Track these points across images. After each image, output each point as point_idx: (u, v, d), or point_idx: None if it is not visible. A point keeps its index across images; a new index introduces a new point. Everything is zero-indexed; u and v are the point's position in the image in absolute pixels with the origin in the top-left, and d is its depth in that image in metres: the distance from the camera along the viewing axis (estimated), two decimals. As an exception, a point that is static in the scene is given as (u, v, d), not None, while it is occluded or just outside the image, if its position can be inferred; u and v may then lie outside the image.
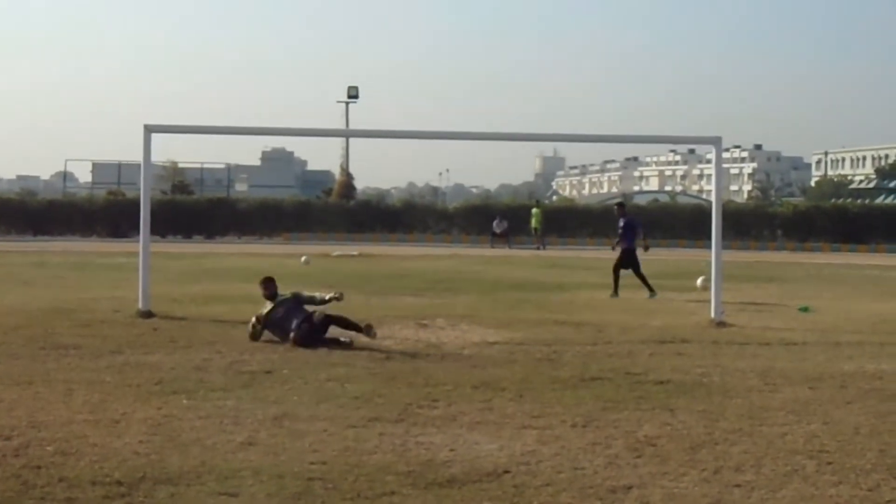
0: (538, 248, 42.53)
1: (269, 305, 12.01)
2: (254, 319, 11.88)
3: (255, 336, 11.76)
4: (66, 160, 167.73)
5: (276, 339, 11.66)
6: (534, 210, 46.71)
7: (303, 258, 27.50)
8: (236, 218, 50.44)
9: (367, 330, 11.74)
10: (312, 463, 6.35)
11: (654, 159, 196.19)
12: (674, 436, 7.27)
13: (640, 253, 19.62)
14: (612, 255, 20.02)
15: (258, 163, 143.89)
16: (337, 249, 35.79)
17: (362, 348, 11.37)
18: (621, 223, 19.86)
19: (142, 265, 14.55)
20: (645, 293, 18.57)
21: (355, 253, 33.89)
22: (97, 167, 74.48)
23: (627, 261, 19.37)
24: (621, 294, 18.57)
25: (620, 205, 21.74)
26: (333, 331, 11.71)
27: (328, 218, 51.15)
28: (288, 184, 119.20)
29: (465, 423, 7.58)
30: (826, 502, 5.75)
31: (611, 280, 19.13)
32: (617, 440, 7.10)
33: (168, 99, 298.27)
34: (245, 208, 51.73)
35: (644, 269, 19.11)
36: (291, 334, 11.46)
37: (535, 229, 44.82)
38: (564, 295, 19.29)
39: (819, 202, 63.12)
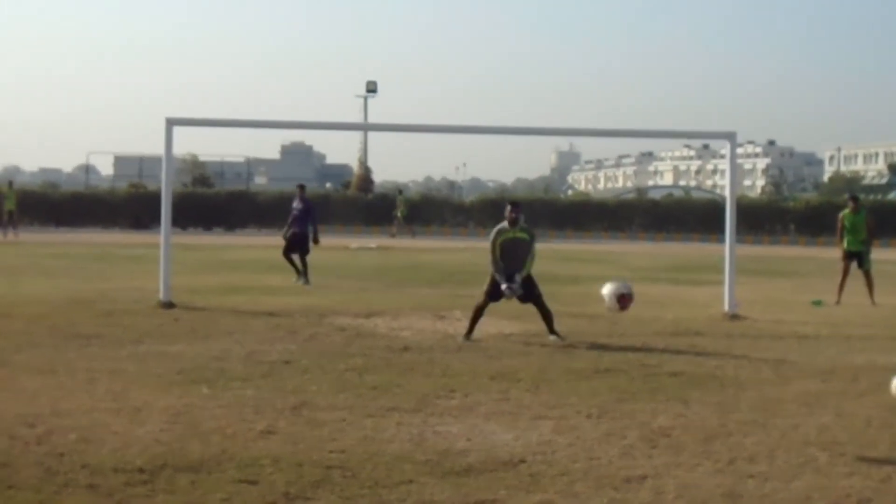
0: (412, 236, 42.37)
1: (507, 231, 11.96)
2: (493, 234, 11.99)
3: (495, 260, 11.91)
4: (89, 153, 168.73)
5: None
6: (399, 198, 47.27)
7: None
8: (256, 210, 50.55)
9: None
10: (331, 451, 6.39)
11: (669, 154, 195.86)
12: (688, 427, 7.30)
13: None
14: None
15: (277, 156, 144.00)
16: (355, 242, 35.90)
17: (380, 338, 11.48)
18: (299, 205, 19.47)
19: (163, 256, 14.66)
20: (294, 277, 18.66)
21: (373, 245, 34.00)
22: (119, 160, 74.83)
23: (298, 244, 19.00)
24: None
25: (301, 186, 21.05)
26: None
27: (346, 211, 51.29)
28: (307, 177, 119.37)
29: (482, 413, 7.64)
30: (838, 493, 5.77)
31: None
32: (631, 431, 7.14)
33: (189, 93, 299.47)
34: (264, 201, 51.87)
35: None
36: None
37: (400, 217, 44.84)
38: (579, 288, 19.31)
39: (831, 197, 62.87)
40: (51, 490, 5.49)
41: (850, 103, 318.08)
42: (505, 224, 12.03)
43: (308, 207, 19.53)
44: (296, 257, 18.95)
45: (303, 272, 18.65)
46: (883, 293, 17.36)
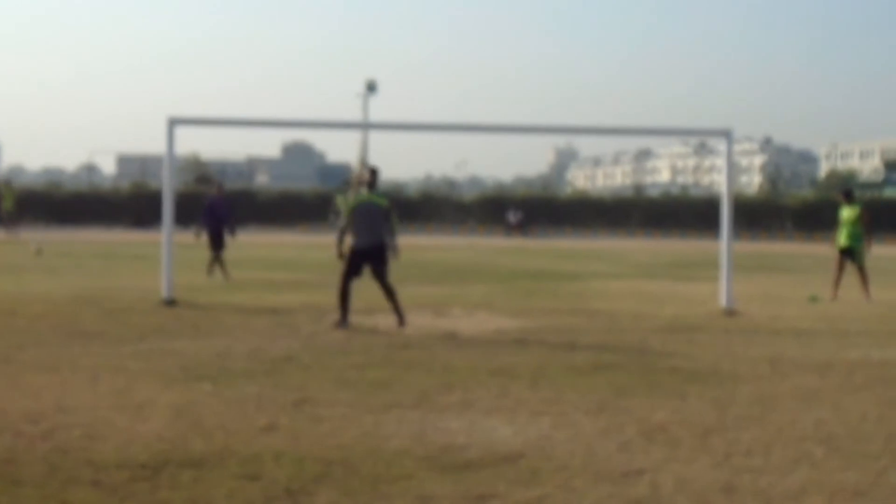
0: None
1: (361, 195, 12.37)
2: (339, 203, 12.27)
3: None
4: (92, 152, 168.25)
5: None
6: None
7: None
8: (257, 209, 50.67)
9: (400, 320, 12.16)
10: (332, 447, 6.40)
11: (666, 152, 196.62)
12: (685, 422, 7.33)
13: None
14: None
15: (278, 155, 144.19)
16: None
17: (380, 335, 11.53)
18: (211, 204, 19.58)
19: (165, 254, 14.71)
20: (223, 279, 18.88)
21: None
22: (122, 159, 75.12)
23: (215, 241, 19.27)
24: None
25: (219, 185, 21.09)
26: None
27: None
28: (307, 175, 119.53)
29: (482, 409, 7.65)
30: (834, 487, 5.78)
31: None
32: (629, 426, 7.16)
33: (191, 93, 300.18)
34: (265, 200, 51.99)
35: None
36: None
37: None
38: (578, 284, 19.43)
39: (827, 194, 62.94)
40: (55, 486, 5.50)
41: (846, 100, 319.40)
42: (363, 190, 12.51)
43: (228, 204, 19.82)
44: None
45: (212, 267, 19.06)
46: (878, 288, 17.45)
